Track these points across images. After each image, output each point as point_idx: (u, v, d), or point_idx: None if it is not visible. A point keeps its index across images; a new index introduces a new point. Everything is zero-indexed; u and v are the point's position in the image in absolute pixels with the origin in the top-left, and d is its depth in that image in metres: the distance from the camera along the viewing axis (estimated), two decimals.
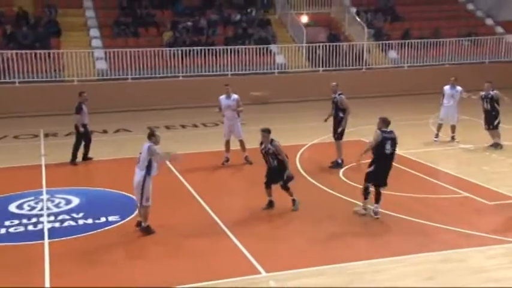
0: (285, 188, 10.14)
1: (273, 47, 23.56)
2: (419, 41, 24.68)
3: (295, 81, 22.79)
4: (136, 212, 9.39)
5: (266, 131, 10.09)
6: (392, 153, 9.65)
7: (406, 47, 24.54)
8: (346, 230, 9.21)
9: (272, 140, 10.05)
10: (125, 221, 9.63)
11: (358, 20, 25.44)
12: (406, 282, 7.32)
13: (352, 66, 23.85)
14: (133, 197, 9.23)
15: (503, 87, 15.63)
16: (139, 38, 22.86)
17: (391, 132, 9.68)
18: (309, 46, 23.80)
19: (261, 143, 10.14)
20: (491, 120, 14.12)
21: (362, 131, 16.75)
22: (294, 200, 10.18)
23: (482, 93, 14.23)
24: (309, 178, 12.07)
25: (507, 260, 7.90)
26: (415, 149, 14.35)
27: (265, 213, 10.03)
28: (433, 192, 11.06)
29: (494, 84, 14.48)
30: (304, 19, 25.94)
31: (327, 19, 26.83)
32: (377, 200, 9.66)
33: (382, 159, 9.59)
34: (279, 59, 23.45)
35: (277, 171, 10.04)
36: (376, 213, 9.62)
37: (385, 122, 9.71)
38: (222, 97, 13.28)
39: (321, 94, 22.81)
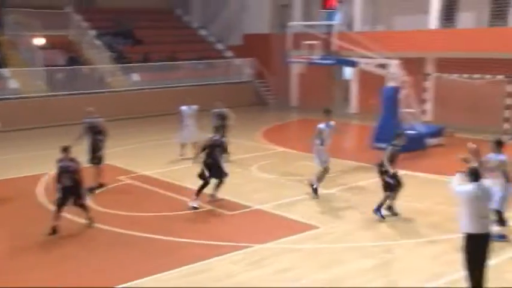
0: (83, 206, 10.21)
1: (4, 71, 21.85)
2: (159, 63, 25.61)
3: (34, 107, 21.47)
4: None
5: (67, 148, 9.91)
6: None
7: (147, 70, 25.23)
8: (98, 259, 9.03)
9: (73, 157, 10.00)
10: None
11: (98, 43, 25.24)
12: None
13: (95, 89, 23.54)
14: None
15: (233, 106, 17.23)
16: None
17: None
18: (46, 70, 22.70)
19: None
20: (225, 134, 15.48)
21: (112, 155, 16.63)
22: (90, 218, 10.29)
23: (215, 111, 15.44)
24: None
25: (245, 263, 8.69)
26: (161, 168, 14.81)
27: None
28: (180, 208, 11.52)
29: (225, 103, 15.90)
30: (40, 41, 24.62)
31: (65, 42, 25.94)
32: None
33: None
34: (12, 84, 21.85)
35: (74, 189, 9.94)
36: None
37: None
38: None
39: (63, 119, 22.01)
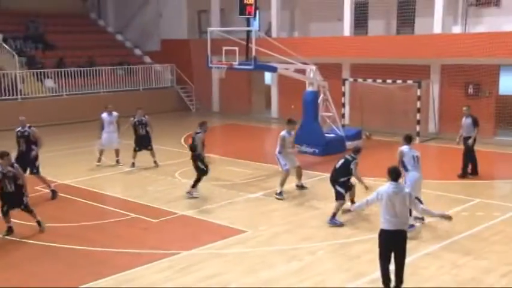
0: (28, 210, 10.17)
1: None
2: (75, 69, 24.80)
3: None
4: None
5: (5, 154, 9.85)
6: None
7: (63, 76, 24.36)
8: (12, 275, 8.61)
9: (13, 163, 10.01)
10: None
11: (7, 47, 24.08)
12: None
13: (7, 96, 22.46)
14: None
15: (156, 112, 17.09)
16: None
17: None
18: None
19: None
20: (148, 143, 15.28)
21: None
22: (39, 222, 10.29)
23: (135, 119, 15.21)
24: None
25: (172, 271, 8.62)
26: (81, 176, 14.39)
27: None
28: (102, 217, 11.26)
29: (147, 109, 15.70)
30: None
31: None
32: None
33: None
34: None
35: (16, 195, 9.95)
36: None
37: None
38: None
39: None
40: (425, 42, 19.37)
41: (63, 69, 24.46)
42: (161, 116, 17.19)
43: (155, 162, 15.43)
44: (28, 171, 12.29)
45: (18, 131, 12.84)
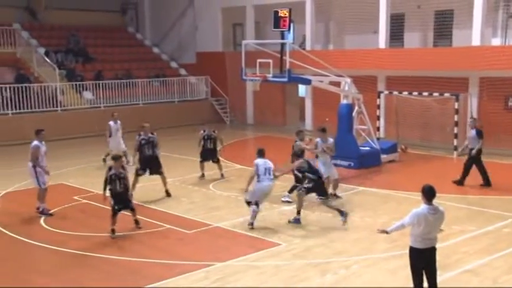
0: (133, 209, 11.03)
1: None
2: (113, 81, 25.31)
3: None
4: None
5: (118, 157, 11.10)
6: None
7: (101, 88, 24.87)
8: (51, 282, 8.78)
9: (123, 166, 11.07)
10: None
11: (48, 60, 24.76)
12: None
13: (46, 107, 23.04)
14: None
15: (190, 124, 17.30)
16: None
17: None
18: None
19: None
20: (214, 155, 15.62)
21: (67, 174, 16.36)
22: (137, 220, 11.13)
23: (204, 133, 15.46)
24: (6, 231, 11.13)
25: (208, 282, 8.65)
26: None
27: None
28: (139, 228, 11.37)
29: (182, 121, 15.90)
30: None
31: (13, 59, 25.33)
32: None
33: None
34: None
35: (124, 195, 10.93)
36: None
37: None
38: None
39: (12, 138, 21.39)
40: (464, 55, 19.06)
41: (101, 82, 24.98)
42: (195, 128, 17.38)
43: (222, 174, 15.54)
44: (148, 172, 13.61)
45: (143, 138, 13.59)
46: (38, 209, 12.17)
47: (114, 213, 10.73)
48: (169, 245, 10.45)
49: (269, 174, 11.16)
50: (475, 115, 19.73)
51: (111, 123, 17.15)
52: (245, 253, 9.79)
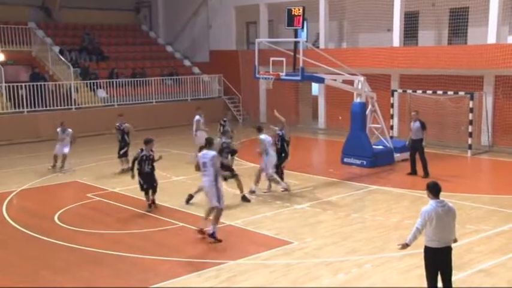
0: (155, 190, 12.35)
1: None
2: (126, 80, 25.44)
3: None
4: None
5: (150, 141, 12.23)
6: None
7: (115, 86, 25.01)
8: (64, 279, 8.84)
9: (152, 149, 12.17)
10: None
11: (63, 59, 24.95)
12: None
13: (61, 106, 23.22)
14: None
15: (205, 122, 17.38)
16: None
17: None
18: (9, 86, 22.27)
19: None
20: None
21: (80, 171, 16.49)
22: (153, 201, 12.31)
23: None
24: (20, 227, 11.24)
25: (218, 281, 8.65)
26: (131, 185, 14.61)
27: None
28: (150, 225, 11.42)
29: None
30: (1, 57, 24.13)
31: (28, 58, 25.59)
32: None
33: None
34: None
35: (151, 176, 12.20)
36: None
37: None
38: None
39: (27, 136, 21.61)
40: (479, 53, 18.86)
41: (114, 80, 25.12)
42: (209, 126, 17.44)
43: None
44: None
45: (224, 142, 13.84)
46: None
47: (144, 191, 12.20)
48: (182, 242, 10.47)
49: (271, 146, 13.08)
50: (490, 113, 19.53)
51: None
52: (257, 251, 9.77)
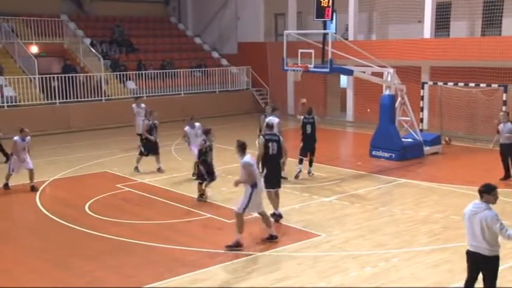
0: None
1: (0, 79, 21.83)
2: (155, 71, 25.66)
3: (29, 115, 21.37)
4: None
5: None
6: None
7: (144, 78, 25.25)
8: (94, 267, 9.02)
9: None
10: None
11: (93, 51, 25.28)
12: None
13: (91, 97, 23.56)
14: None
15: (231, 114, 17.37)
16: None
17: (273, 134, 11.23)
18: (42, 77, 22.69)
19: None
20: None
21: (111, 162, 16.72)
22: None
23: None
24: (52, 216, 11.50)
25: (245, 272, 8.70)
26: (160, 176, 14.84)
27: None
28: (179, 217, 11.54)
29: (223, 111, 15.94)
30: (34, 49, 24.60)
31: (61, 50, 26.00)
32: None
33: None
34: (8, 92, 21.82)
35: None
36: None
37: (268, 127, 11.50)
38: None
39: (59, 127, 22.01)
40: None
41: (143, 72, 25.36)
42: (236, 118, 17.44)
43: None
44: None
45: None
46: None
47: (203, 181, 12.55)
48: (209, 234, 10.56)
49: None
50: None
51: (134, 105, 18.56)
52: (284, 243, 9.80)
